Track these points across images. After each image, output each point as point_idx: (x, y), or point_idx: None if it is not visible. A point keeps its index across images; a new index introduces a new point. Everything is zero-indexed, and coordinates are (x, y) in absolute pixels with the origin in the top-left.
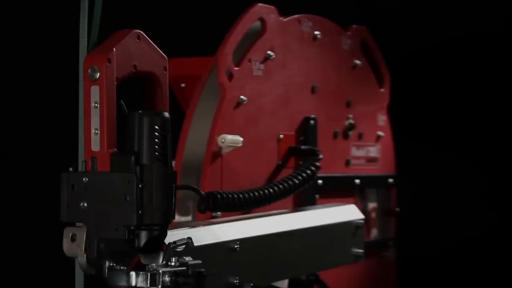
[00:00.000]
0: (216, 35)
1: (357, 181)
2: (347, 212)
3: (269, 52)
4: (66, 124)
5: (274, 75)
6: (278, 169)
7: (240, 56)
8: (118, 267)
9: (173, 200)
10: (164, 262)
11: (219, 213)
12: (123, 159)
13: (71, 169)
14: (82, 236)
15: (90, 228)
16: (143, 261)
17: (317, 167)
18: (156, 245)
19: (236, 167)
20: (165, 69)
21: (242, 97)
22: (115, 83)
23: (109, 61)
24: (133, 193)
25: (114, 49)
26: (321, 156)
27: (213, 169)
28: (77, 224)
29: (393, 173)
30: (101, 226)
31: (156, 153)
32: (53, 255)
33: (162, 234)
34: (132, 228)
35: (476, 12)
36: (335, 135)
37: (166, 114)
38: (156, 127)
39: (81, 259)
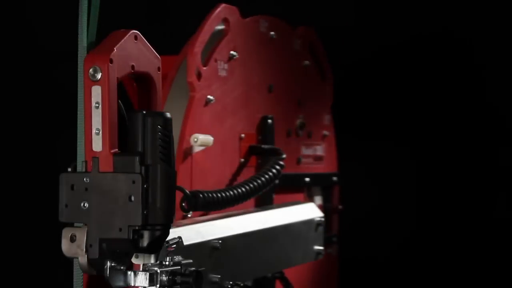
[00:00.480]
0: (172, 34)
1: (307, 179)
2: (308, 211)
3: (232, 52)
4: (59, 124)
5: (237, 75)
6: (241, 168)
7: (207, 56)
8: (119, 267)
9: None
10: (158, 261)
11: (190, 213)
12: (127, 159)
13: (69, 169)
14: (82, 236)
15: (92, 229)
16: (134, 261)
17: (282, 166)
18: (159, 245)
19: (204, 166)
20: (158, 69)
21: (209, 96)
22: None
23: (111, 61)
24: (138, 193)
25: (115, 49)
26: (284, 156)
27: (184, 169)
28: (76, 224)
29: (336, 171)
30: (104, 226)
31: (160, 153)
32: (46, 255)
33: (165, 234)
34: (137, 228)
35: (412, 18)
36: (288, 134)
37: (168, 115)
38: (160, 127)
39: (82, 259)
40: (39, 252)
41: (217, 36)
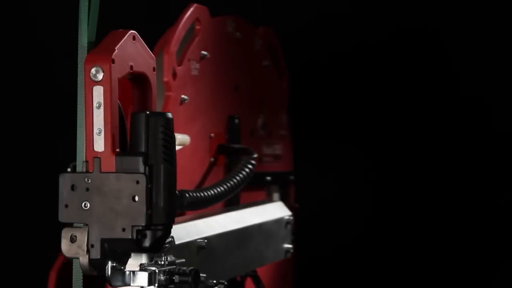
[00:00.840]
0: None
1: (268, 178)
2: (278, 209)
3: (203, 52)
4: (57, 124)
5: (207, 75)
6: (211, 167)
7: (181, 56)
8: (120, 267)
9: None
10: (153, 261)
11: None
12: (131, 159)
13: (69, 169)
14: (83, 236)
15: (93, 229)
16: (130, 261)
17: (254, 165)
18: (161, 244)
19: (179, 166)
20: (154, 69)
21: (183, 96)
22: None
23: (113, 61)
24: (143, 193)
25: (116, 49)
26: (256, 155)
27: None
28: (75, 224)
29: (292, 170)
30: (106, 227)
31: (163, 154)
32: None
33: (167, 233)
34: (140, 228)
35: (368, 20)
36: (251, 133)
37: (170, 115)
38: (162, 127)
39: (83, 259)
40: (38, 251)
41: (189, 36)
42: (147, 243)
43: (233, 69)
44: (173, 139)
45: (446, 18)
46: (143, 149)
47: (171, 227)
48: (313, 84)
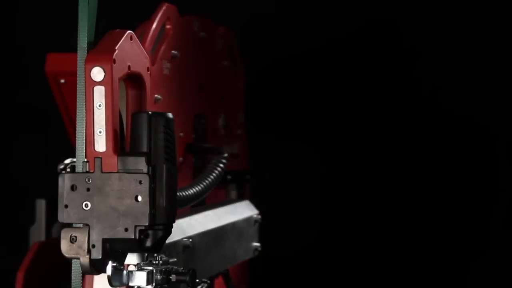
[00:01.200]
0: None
1: (229, 176)
2: (246, 208)
3: (173, 51)
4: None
5: (177, 74)
6: (180, 167)
7: (154, 55)
8: (120, 267)
9: None
10: (148, 260)
11: None
12: (134, 159)
13: (68, 169)
14: (84, 237)
15: (94, 229)
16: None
17: (226, 164)
18: (162, 244)
19: None
20: (148, 69)
21: (157, 95)
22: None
23: (114, 61)
24: (146, 193)
25: (117, 50)
26: (226, 154)
27: None
28: (75, 225)
29: (249, 169)
30: (108, 227)
31: (165, 153)
32: None
33: (168, 233)
34: (143, 228)
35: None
36: (214, 133)
37: (170, 115)
38: (164, 127)
39: (84, 260)
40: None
41: (159, 35)
42: (149, 243)
43: (198, 69)
44: (173, 139)
45: (403, 14)
46: (145, 149)
47: (172, 227)
48: (264, 84)
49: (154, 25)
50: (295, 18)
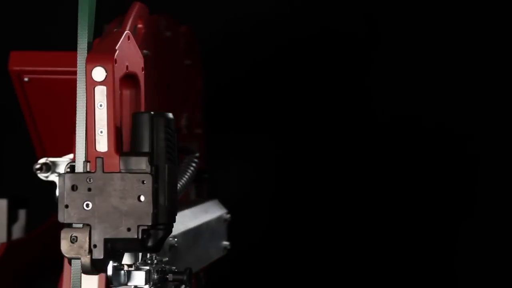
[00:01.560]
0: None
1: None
2: (216, 207)
3: (145, 51)
4: None
5: (147, 74)
6: None
7: None
8: (120, 267)
9: None
10: (142, 260)
11: None
12: (137, 159)
13: (68, 169)
14: (85, 237)
15: (96, 229)
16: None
17: (197, 163)
18: (162, 244)
19: None
20: (142, 69)
21: None
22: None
23: (116, 61)
24: (149, 193)
25: (117, 50)
26: (198, 154)
27: None
28: (75, 225)
29: (206, 168)
30: (110, 227)
31: (167, 153)
32: None
33: (168, 233)
34: (146, 228)
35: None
36: (177, 132)
37: (171, 115)
38: (165, 127)
39: (85, 260)
40: None
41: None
42: (151, 242)
43: (166, 68)
44: (174, 138)
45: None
46: (146, 149)
47: (172, 226)
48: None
49: (128, 25)
50: (254, 19)
